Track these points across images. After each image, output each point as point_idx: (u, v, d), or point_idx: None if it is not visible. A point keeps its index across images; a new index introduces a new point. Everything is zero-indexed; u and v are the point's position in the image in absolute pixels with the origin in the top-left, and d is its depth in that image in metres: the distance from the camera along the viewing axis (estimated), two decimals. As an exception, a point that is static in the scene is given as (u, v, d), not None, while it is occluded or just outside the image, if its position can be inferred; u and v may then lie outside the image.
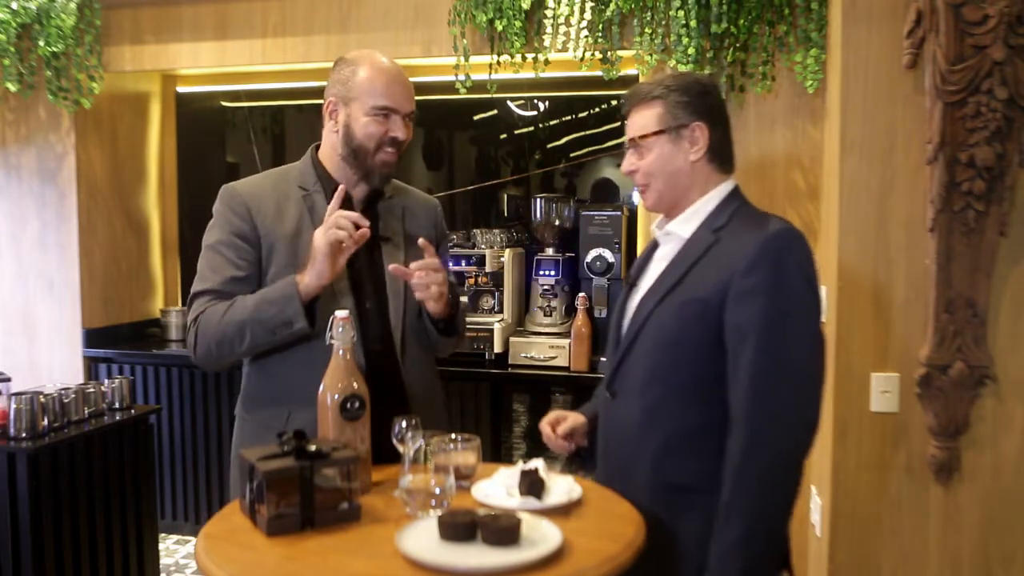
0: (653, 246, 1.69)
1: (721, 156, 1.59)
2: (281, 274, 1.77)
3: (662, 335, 1.52)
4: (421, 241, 1.77)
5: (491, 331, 3.34)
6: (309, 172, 1.86)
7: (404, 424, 1.55)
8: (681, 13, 2.83)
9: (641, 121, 1.59)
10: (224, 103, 4.18)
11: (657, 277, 1.58)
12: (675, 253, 1.57)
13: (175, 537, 3.74)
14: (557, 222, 3.51)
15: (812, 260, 1.48)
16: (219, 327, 1.73)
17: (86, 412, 2.74)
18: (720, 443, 1.45)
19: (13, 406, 2.51)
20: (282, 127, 4.19)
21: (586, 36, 3.01)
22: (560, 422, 1.74)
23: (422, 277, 1.74)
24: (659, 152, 1.57)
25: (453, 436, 1.55)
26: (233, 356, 1.77)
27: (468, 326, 3.18)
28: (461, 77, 3.16)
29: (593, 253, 3.36)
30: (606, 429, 1.65)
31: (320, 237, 1.66)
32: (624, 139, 1.67)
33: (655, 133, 1.57)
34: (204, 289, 1.78)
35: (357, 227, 1.67)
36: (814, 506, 2.43)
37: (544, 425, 1.75)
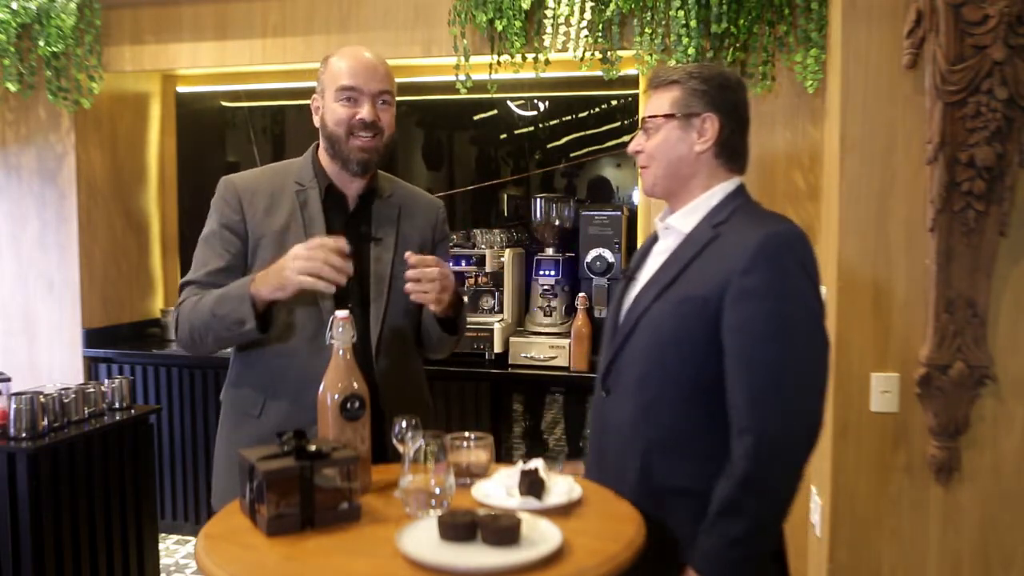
0: (653, 239, 1.66)
1: (731, 153, 1.55)
2: (266, 267, 1.78)
3: (658, 332, 1.49)
4: (407, 254, 1.72)
5: (491, 331, 3.34)
6: (308, 168, 1.88)
7: (404, 424, 1.55)
8: (681, 13, 2.83)
9: (656, 103, 1.56)
10: (224, 103, 4.17)
11: (655, 272, 1.55)
12: (674, 248, 1.54)
13: (175, 537, 3.73)
14: (557, 222, 3.51)
15: (813, 259, 1.45)
16: (190, 319, 1.77)
17: (86, 412, 2.75)
18: (713, 445, 1.42)
19: (13, 406, 2.51)
20: (282, 127, 4.19)
21: (586, 36, 3.01)
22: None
23: (414, 275, 1.69)
24: (665, 136, 1.54)
25: (466, 434, 1.56)
26: (207, 348, 1.79)
27: (468, 326, 3.18)
28: (461, 77, 3.16)
29: (593, 253, 3.36)
30: (599, 428, 1.62)
31: (296, 262, 1.61)
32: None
33: (664, 116, 1.54)
34: (188, 280, 1.84)
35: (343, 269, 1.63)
36: (814, 506, 2.43)
37: None
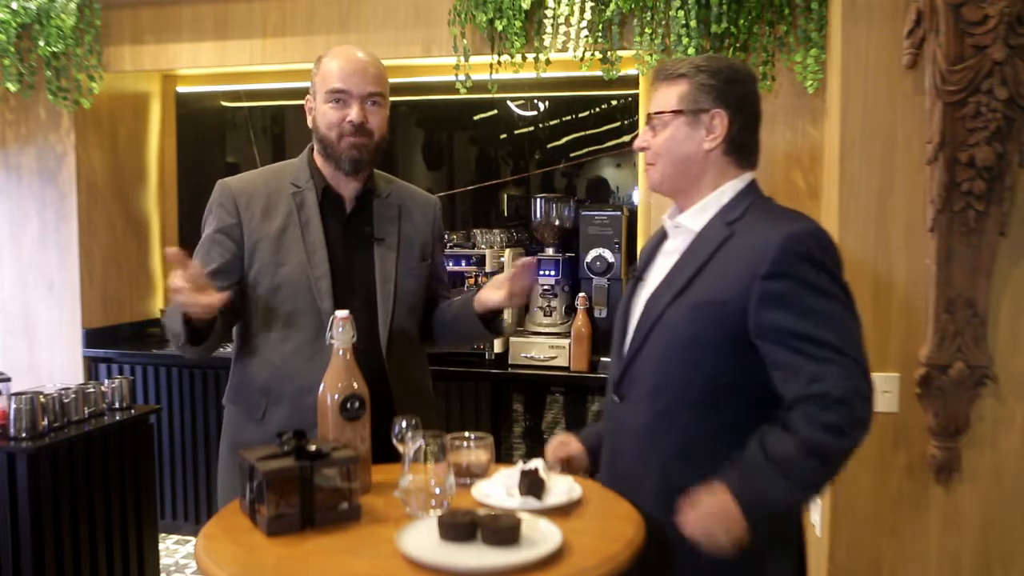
0: (660, 237, 1.62)
1: (740, 150, 1.50)
2: (264, 270, 1.80)
3: (674, 338, 1.45)
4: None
5: (491, 331, 3.34)
6: (303, 169, 1.88)
7: (404, 424, 1.55)
8: (681, 13, 2.83)
9: (662, 98, 1.51)
10: (224, 103, 4.18)
11: (667, 274, 1.50)
12: (685, 248, 1.49)
13: (175, 537, 3.73)
14: (557, 222, 3.51)
15: (835, 254, 1.42)
16: (164, 324, 1.80)
17: (86, 412, 2.74)
18: (731, 452, 1.39)
19: (13, 406, 2.51)
20: (282, 127, 4.20)
21: (586, 36, 3.01)
22: (563, 446, 1.69)
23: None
24: (672, 133, 1.49)
25: (466, 434, 1.55)
26: (181, 352, 1.78)
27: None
28: (461, 77, 3.16)
29: (593, 253, 3.36)
30: (613, 433, 1.58)
31: (177, 296, 1.61)
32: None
33: (672, 112, 1.49)
34: None
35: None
36: (814, 506, 2.43)
37: (549, 451, 1.71)
